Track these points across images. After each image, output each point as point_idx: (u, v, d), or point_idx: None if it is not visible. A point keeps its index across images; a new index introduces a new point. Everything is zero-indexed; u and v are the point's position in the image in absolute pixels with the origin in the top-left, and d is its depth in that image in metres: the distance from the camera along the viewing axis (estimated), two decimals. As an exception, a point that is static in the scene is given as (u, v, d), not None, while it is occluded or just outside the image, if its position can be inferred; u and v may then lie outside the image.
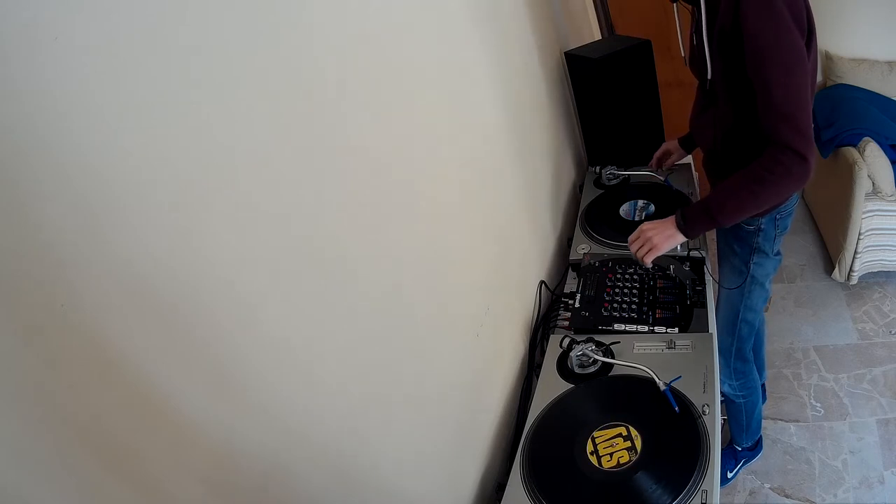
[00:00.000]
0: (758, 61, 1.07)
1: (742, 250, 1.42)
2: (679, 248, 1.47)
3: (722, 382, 1.66)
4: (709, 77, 1.21)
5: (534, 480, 1.02)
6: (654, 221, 1.29)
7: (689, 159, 1.80)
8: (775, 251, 1.43)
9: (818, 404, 2.05)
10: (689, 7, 1.25)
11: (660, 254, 1.26)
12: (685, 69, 1.38)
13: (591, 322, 1.33)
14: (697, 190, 1.77)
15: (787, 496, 1.81)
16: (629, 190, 1.79)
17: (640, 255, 1.27)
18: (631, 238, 1.31)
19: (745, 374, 1.63)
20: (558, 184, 1.82)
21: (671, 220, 1.26)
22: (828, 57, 2.70)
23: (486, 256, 1.22)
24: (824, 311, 2.40)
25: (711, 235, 1.85)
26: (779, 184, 1.12)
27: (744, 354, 1.60)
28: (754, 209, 1.18)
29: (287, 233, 0.63)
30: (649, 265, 1.29)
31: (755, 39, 1.05)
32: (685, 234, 1.24)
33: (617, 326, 1.31)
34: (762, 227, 1.36)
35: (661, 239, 1.25)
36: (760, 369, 1.88)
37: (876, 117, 2.41)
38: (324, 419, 0.69)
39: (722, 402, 1.84)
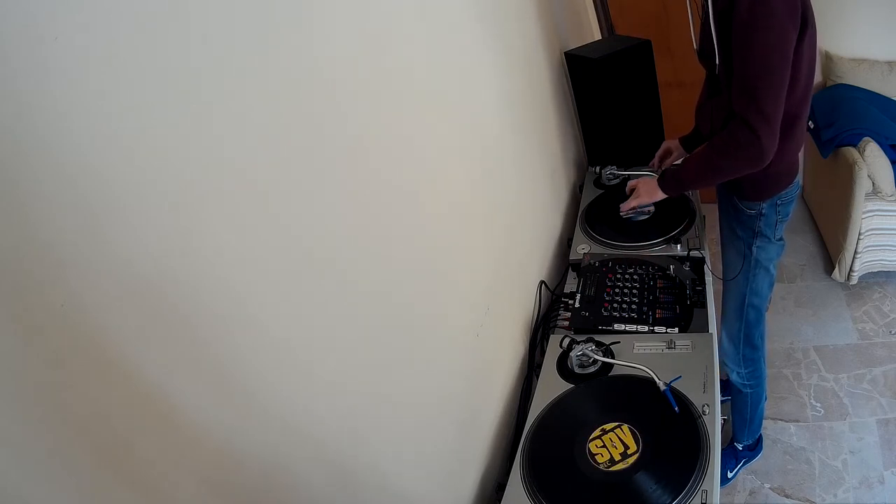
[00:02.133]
0: (740, 42, 1.13)
1: (745, 234, 1.47)
2: (679, 248, 1.48)
3: (730, 371, 1.68)
4: (717, 62, 1.25)
5: (534, 480, 1.02)
6: (648, 178, 1.52)
7: (688, 159, 1.80)
8: (777, 236, 1.47)
9: (818, 404, 2.05)
10: None
11: (640, 203, 1.51)
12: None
13: (591, 322, 1.33)
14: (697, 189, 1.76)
15: (787, 496, 1.81)
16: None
17: (629, 199, 1.52)
18: (629, 186, 1.55)
19: (753, 361, 1.65)
20: (558, 184, 1.82)
21: (656, 178, 1.48)
22: (828, 57, 2.70)
23: (486, 256, 1.22)
24: (824, 311, 2.40)
25: (712, 235, 1.85)
26: (734, 157, 1.21)
27: (752, 341, 1.61)
28: (715, 177, 1.30)
29: (287, 233, 0.63)
30: (625, 210, 1.56)
31: (739, 23, 1.11)
32: (663, 191, 1.44)
33: (617, 326, 1.31)
34: (763, 211, 1.41)
35: (645, 191, 1.48)
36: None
37: (876, 117, 2.40)
38: (324, 419, 0.69)
39: (723, 401, 1.84)
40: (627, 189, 1.56)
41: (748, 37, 1.11)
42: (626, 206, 1.55)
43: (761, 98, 1.13)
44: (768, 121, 1.14)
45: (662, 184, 1.43)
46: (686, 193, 1.70)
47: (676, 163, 1.77)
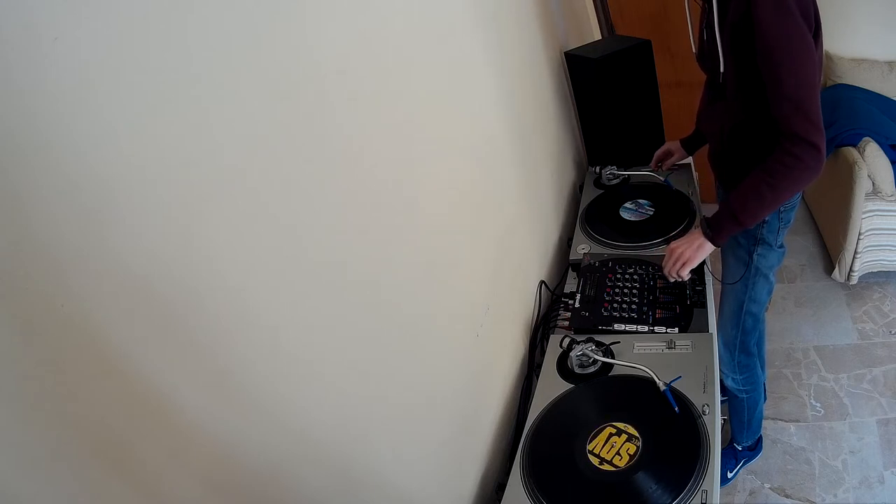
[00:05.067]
0: (768, 53, 1.10)
1: (746, 241, 1.45)
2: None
3: (725, 376, 1.67)
4: (721, 70, 1.23)
5: (534, 480, 1.02)
6: (680, 239, 1.34)
7: (689, 160, 1.80)
8: (779, 244, 1.45)
9: (818, 404, 2.05)
10: (701, 1, 1.27)
11: (694, 266, 1.30)
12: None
13: (591, 322, 1.33)
14: (697, 189, 1.77)
15: (787, 496, 1.81)
16: (629, 190, 1.79)
17: (674, 270, 1.32)
18: (664, 261, 1.36)
19: (749, 367, 1.64)
20: (558, 184, 1.82)
21: (697, 232, 1.31)
22: (828, 57, 2.70)
23: (487, 256, 1.22)
24: (824, 311, 2.40)
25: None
26: (792, 175, 1.16)
27: (748, 348, 1.61)
28: (775, 203, 1.21)
29: (287, 233, 0.63)
30: (685, 278, 1.33)
31: (766, 33, 1.08)
32: (713, 243, 1.29)
33: (617, 326, 1.31)
34: (766, 219, 1.38)
35: (692, 251, 1.30)
36: (761, 367, 1.88)
37: (876, 117, 2.41)
38: (324, 420, 0.69)
39: (723, 401, 1.84)
40: (664, 263, 1.35)
41: (783, 52, 1.08)
42: (684, 276, 1.32)
43: (810, 109, 1.10)
44: (819, 129, 1.12)
45: (713, 234, 1.28)
46: (686, 193, 1.70)
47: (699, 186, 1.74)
